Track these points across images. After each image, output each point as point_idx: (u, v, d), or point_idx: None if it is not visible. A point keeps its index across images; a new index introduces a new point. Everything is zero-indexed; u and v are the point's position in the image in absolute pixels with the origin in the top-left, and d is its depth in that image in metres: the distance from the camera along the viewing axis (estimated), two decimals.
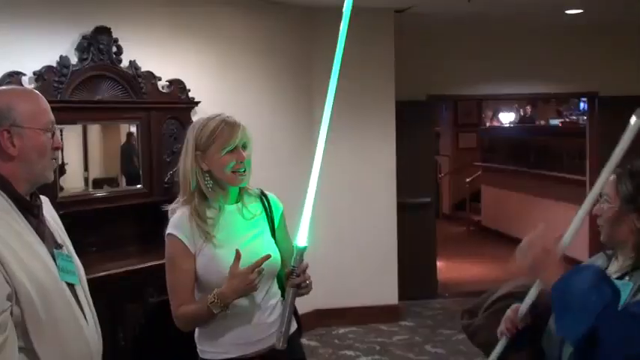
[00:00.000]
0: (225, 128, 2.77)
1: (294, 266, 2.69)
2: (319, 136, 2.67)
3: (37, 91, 2.37)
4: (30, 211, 2.26)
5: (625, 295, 2.27)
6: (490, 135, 13.80)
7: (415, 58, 7.91)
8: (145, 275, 4.66)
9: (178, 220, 2.78)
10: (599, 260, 2.55)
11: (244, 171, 2.79)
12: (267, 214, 2.92)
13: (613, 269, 2.43)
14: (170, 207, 2.87)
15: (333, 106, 2.66)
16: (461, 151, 14.63)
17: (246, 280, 2.64)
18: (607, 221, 2.40)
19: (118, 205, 5.17)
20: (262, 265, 2.70)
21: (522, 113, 15.27)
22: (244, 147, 2.79)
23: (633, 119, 2.19)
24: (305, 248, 2.67)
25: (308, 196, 2.67)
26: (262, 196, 2.95)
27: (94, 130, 5.26)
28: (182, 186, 2.85)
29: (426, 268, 8.26)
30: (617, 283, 2.30)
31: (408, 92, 7.70)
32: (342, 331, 7.03)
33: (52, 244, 2.29)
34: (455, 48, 8.20)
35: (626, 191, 2.35)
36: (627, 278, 2.33)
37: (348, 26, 2.60)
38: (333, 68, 2.63)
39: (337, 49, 2.61)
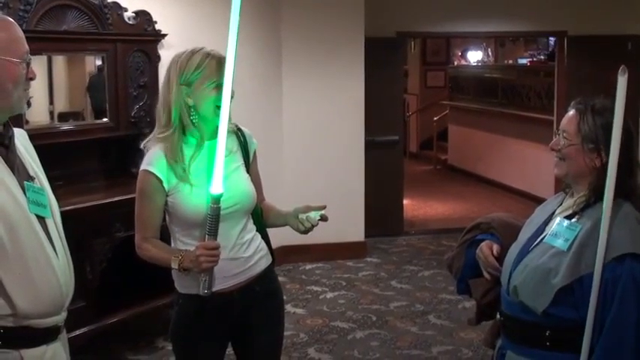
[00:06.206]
0: (212, 62, 2.74)
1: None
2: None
3: (11, 19, 2.27)
4: (0, 142, 2.20)
5: (571, 237, 2.29)
6: (458, 73, 13.74)
7: None
8: (112, 210, 4.62)
9: (155, 156, 2.73)
10: (555, 200, 2.57)
11: None
12: (242, 150, 2.90)
13: (566, 206, 2.45)
14: (145, 142, 2.81)
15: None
16: (429, 89, 14.59)
17: (203, 252, 2.59)
18: (565, 157, 2.40)
19: (84, 139, 5.10)
20: (238, 201, 2.74)
21: (493, 53, 15.12)
22: None
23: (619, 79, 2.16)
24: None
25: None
26: (238, 132, 2.91)
27: (59, 62, 5.15)
28: (161, 120, 2.76)
29: (393, 206, 8.30)
30: (564, 224, 2.35)
31: (378, 29, 7.63)
32: (308, 267, 7.09)
33: (23, 176, 2.25)
34: None
35: (587, 129, 2.35)
36: (576, 218, 2.35)
37: None
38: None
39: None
